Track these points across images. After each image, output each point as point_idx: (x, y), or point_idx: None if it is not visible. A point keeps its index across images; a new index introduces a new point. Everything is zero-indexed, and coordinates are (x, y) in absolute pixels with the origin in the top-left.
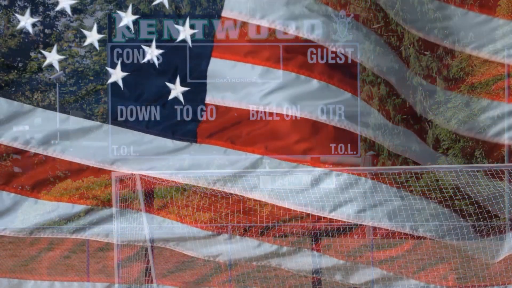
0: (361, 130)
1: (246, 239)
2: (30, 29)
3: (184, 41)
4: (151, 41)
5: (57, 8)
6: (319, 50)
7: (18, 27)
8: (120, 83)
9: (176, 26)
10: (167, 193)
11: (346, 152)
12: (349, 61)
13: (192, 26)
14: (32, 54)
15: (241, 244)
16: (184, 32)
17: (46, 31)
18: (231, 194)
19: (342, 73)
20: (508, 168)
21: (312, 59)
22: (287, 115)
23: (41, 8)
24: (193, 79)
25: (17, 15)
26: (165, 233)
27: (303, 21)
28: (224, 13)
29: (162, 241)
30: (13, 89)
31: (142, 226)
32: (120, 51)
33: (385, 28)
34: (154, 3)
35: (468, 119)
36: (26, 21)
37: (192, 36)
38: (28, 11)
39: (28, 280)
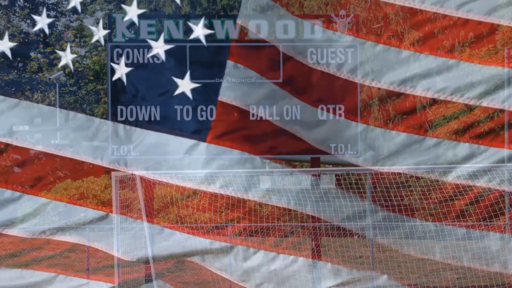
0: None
1: (260, 252)
2: (47, 30)
3: (195, 40)
4: (151, 40)
5: (69, 7)
6: (319, 50)
7: (36, 28)
8: (124, 79)
9: (191, 24)
10: (167, 194)
11: (346, 152)
12: (349, 61)
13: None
14: (32, 54)
15: (256, 259)
16: (200, 31)
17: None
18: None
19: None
20: (508, 168)
21: (312, 59)
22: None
23: (41, 8)
24: (198, 78)
25: (34, 16)
26: (171, 246)
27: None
28: (239, 20)
29: (169, 256)
30: (13, 89)
31: (142, 226)
32: (120, 51)
33: (385, 28)
34: None
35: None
36: (43, 22)
37: (207, 36)
38: (44, 12)
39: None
